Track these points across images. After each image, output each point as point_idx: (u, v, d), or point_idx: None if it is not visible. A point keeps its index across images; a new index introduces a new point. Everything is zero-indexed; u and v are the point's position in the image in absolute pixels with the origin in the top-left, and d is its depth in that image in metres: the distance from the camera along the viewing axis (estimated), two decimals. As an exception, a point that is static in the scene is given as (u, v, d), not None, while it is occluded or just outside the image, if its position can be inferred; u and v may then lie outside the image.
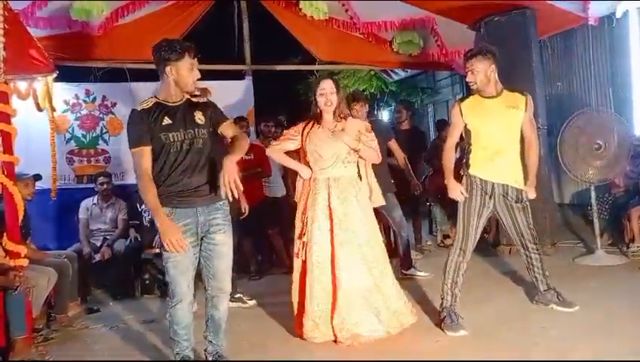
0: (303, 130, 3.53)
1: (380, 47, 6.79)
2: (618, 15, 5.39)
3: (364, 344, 3.27)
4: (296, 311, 3.49)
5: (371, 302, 3.32)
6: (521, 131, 3.48)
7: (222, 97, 4.83)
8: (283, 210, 5.53)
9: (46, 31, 5.38)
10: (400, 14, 6.46)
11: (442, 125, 6.47)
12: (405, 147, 5.22)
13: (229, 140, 2.87)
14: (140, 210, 5.26)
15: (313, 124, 3.52)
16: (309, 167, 3.51)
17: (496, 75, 3.42)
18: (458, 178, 3.53)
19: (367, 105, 4.82)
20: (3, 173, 3.51)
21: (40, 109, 4.57)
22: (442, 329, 3.37)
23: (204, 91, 4.11)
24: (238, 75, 6.88)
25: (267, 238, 5.74)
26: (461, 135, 3.56)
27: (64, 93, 6.00)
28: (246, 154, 3.50)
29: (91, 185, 5.62)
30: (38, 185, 4.58)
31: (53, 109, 4.79)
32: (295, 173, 3.71)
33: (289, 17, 6.45)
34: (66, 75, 5.52)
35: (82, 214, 5.38)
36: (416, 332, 3.40)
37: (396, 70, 9.88)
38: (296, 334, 3.48)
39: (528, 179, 3.51)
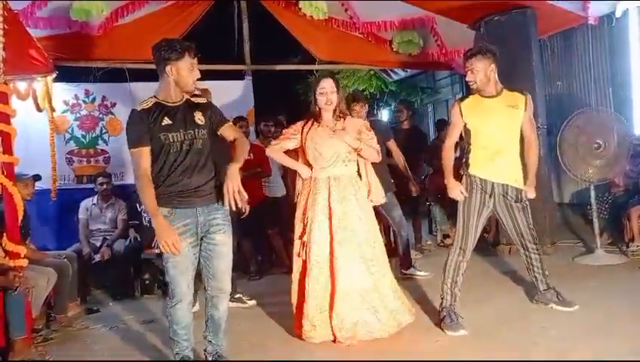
0: (303, 128, 3.53)
1: (380, 46, 6.78)
2: (618, 14, 5.37)
3: (364, 343, 3.26)
4: (295, 312, 3.48)
5: (369, 301, 3.31)
6: (521, 131, 3.48)
7: (222, 97, 4.85)
8: (283, 210, 5.51)
9: (46, 31, 5.36)
10: (400, 14, 6.45)
11: (442, 125, 6.48)
12: (405, 146, 5.22)
13: (230, 143, 2.88)
14: (139, 210, 5.25)
15: (312, 122, 3.52)
16: (309, 165, 3.51)
17: (496, 74, 3.41)
18: (458, 177, 3.52)
19: (366, 106, 4.82)
20: (3, 173, 3.51)
21: (39, 110, 4.58)
22: (442, 329, 3.37)
23: (205, 92, 4.11)
24: (237, 75, 6.88)
25: (267, 238, 5.74)
26: (461, 134, 3.55)
27: (64, 93, 5.99)
28: (245, 155, 3.50)
29: (91, 186, 5.63)
30: (38, 185, 4.57)
31: (52, 110, 4.80)
32: (295, 173, 3.71)
33: (289, 17, 6.44)
34: (66, 75, 5.53)
35: (82, 214, 5.38)
36: (415, 332, 3.40)
37: (396, 70, 9.85)
38: (295, 334, 3.48)
39: (528, 179, 3.51)
